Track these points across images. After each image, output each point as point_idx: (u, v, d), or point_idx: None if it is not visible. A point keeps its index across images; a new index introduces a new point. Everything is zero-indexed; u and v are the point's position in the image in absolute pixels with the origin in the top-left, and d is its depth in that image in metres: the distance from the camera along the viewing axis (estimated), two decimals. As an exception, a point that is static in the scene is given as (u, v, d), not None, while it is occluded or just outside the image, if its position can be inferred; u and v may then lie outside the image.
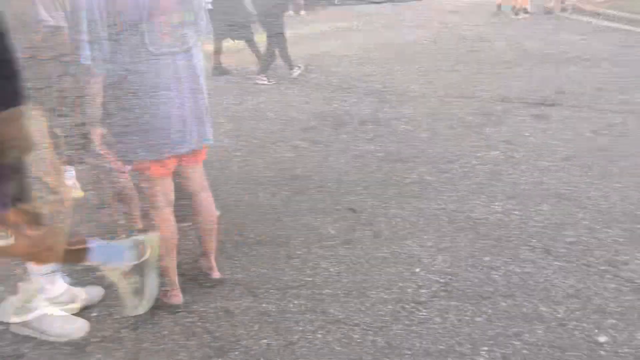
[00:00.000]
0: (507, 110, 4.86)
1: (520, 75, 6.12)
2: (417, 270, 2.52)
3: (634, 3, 10.70)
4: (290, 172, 3.78)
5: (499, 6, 11.33)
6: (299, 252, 2.73)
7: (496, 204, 3.13)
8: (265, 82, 6.60)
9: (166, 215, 2.18)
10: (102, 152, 2.01)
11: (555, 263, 2.51)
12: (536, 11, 10.94)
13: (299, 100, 5.71)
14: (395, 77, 6.42)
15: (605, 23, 9.94)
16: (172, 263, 2.25)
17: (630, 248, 2.61)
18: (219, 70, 7.16)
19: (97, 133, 1.98)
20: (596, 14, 10.81)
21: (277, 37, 6.72)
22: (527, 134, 4.27)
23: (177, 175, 2.26)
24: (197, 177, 2.29)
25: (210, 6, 6.14)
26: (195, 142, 2.11)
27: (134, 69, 1.89)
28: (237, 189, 3.55)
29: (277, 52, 6.79)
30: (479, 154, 3.89)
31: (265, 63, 6.75)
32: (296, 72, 6.81)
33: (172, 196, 2.21)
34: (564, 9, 11.52)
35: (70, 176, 3.94)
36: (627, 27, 9.25)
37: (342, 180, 3.59)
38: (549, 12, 11.10)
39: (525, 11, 10.81)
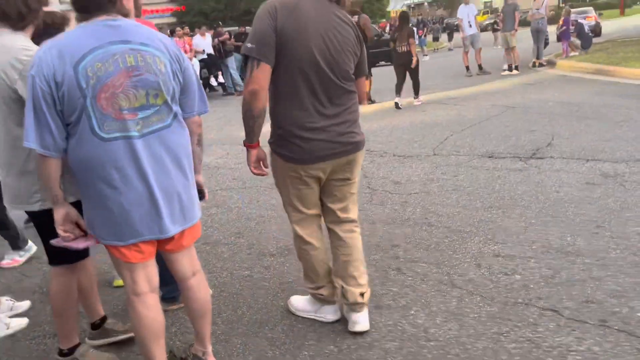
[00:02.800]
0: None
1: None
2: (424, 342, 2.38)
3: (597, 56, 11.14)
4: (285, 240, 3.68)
5: (467, 67, 11.94)
6: (296, 328, 2.59)
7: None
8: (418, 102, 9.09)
9: (151, 301, 2.04)
10: (64, 233, 1.93)
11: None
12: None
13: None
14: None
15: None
16: (160, 351, 2.09)
17: None
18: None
19: (60, 214, 1.92)
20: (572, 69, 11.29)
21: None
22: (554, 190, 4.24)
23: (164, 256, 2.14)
24: (186, 262, 2.14)
25: None
26: (172, 227, 1.96)
27: (85, 154, 1.82)
28: (229, 262, 3.44)
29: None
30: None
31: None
32: (418, 102, 9.11)
33: (156, 281, 2.07)
34: (541, 64, 12.20)
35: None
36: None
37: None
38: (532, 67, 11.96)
39: (517, 68, 11.52)
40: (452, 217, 3.84)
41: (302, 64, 2.17)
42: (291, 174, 2.36)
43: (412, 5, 62.97)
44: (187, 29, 15.67)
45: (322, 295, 2.59)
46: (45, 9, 2.34)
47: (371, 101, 9.72)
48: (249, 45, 2.15)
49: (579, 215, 3.64)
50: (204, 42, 13.50)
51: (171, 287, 2.69)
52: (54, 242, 2.00)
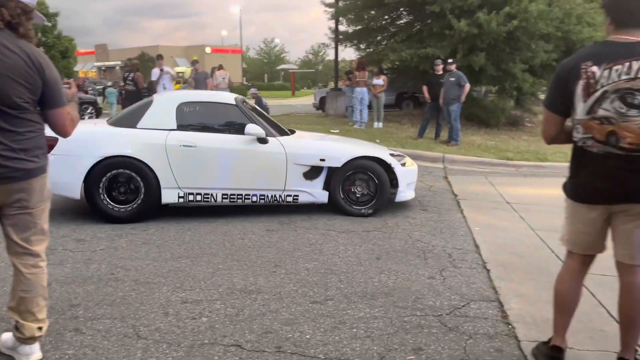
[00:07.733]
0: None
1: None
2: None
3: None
4: None
5: None
6: None
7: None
8: None
9: None
10: None
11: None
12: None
13: None
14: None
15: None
16: None
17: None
18: None
19: None
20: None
21: None
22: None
23: None
24: None
25: None
26: None
27: None
28: None
29: None
30: (163, 263, 3.77)
31: None
32: None
33: None
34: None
35: None
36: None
37: None
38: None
39: None
40: (140, 270, 3.68)
41: None
42: None
43: (104, 68, 61.18)
44: None
45: None
46: None
47: None
48: None
49: (260, 257, 3.97)
50: None
51: None
52: None
